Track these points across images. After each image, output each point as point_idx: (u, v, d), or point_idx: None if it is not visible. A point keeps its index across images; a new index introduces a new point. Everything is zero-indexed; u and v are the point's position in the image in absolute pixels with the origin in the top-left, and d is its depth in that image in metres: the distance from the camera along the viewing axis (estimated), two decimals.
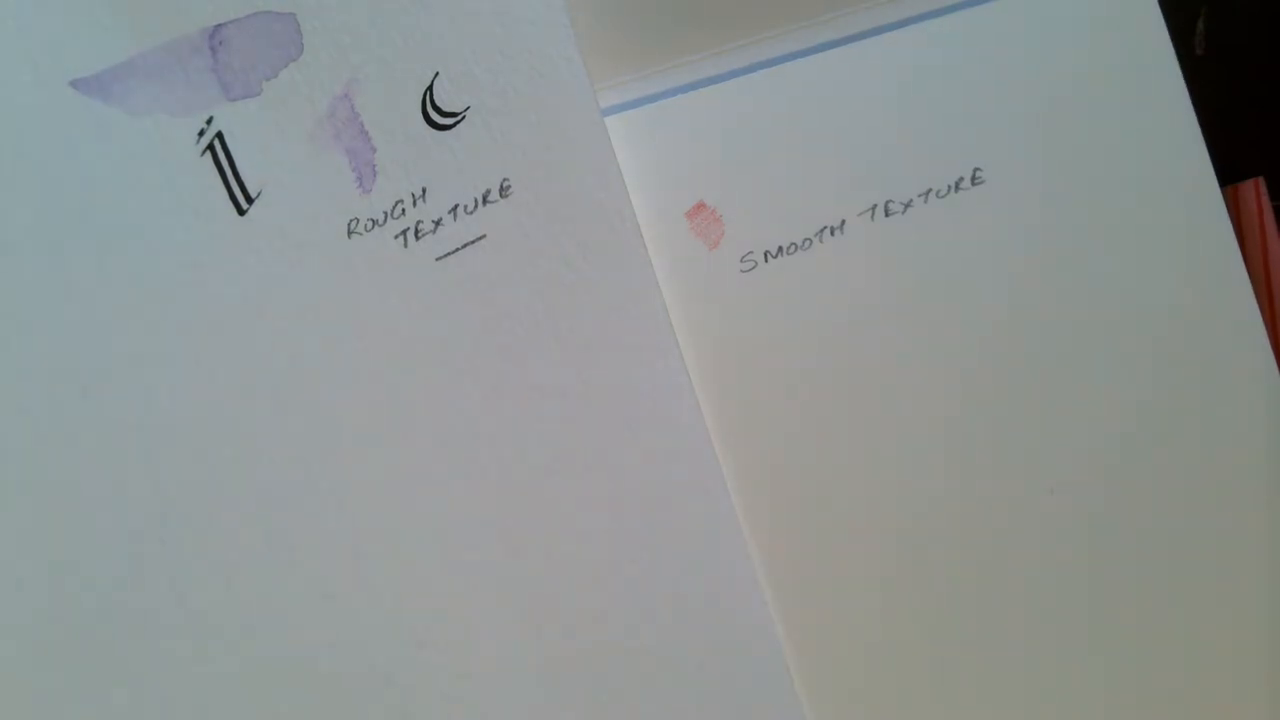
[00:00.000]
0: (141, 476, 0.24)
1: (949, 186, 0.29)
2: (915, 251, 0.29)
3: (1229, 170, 0.31)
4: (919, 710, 0.29)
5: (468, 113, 0.26)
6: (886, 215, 0.29)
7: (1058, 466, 0.29)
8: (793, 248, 0.28)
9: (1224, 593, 0.30)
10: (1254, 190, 0.32)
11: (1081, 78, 0.30)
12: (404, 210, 0.26)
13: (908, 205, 0.29)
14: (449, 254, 0.26)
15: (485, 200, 0.26)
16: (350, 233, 0.25)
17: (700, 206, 0.28)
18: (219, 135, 0.25)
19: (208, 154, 0.25)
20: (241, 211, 0.25)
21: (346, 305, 0.25)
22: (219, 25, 0.24)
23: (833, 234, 0.29)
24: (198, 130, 0.25)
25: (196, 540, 0.24)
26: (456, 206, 0.26)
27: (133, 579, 0.24)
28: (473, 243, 0.26)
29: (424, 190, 0.26)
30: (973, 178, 0.29)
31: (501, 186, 0.26)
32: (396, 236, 0.26)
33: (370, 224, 0.25)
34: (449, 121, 0.26)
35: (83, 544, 0.24)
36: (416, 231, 0.26)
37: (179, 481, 0.24)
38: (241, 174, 0.25)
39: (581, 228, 0.26)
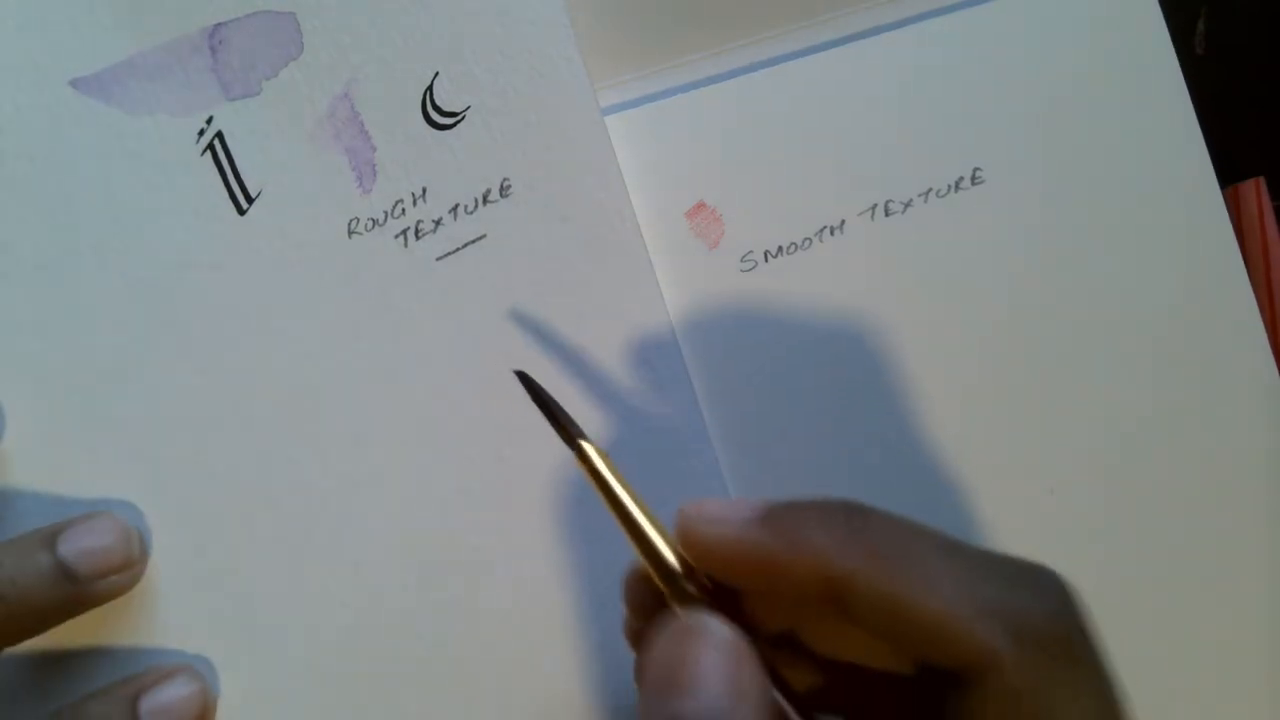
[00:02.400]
0: (141, 476, 0.24)
1: (949, 186, 0.29)
2: (915, 251, 0.29)
3: (1229, 170, 0.31)
4: None
5: (468, 112, 0.26)
6: (886, 215, 0.29)
7: (1058, 466, 0.29)
8: (793, 248, 0.28)
9: (1224, 593, 0.30)
10: (1254, 190, 0.32)
11: (1081, 78, 0.30)
12: (404, 210, 0.26)
13: (908, 205, 0.29)
14: (449, 254, 0.26)
15: (485, 200, 0.26)
16: (350, 232, 0.25)
17: (700, 206, 0.28)
18: (219, 135, 0.25)
19: (208, 154, 0.25)
20: (241, 211, 0.25)
21: (346, 305, 0.25)
22: (219, 25, 0.24)
23: (833, 234, 0.29)
24: (198, 130, 0.25)
25: (196, 540, 0.24)
26: (457, 206, 0.26)
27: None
28: (473, 242, 0.26)
29: (424, 190, 0.26)
30: (973, 178, 0.29)
31: (501, 186, 0.26)
32: (397, 236, 0.26)
33: (370, 224, 0.25)
34: (449, 121, 0.26)
35: None
36: (417, 231, 0.26)
37: (179, 481, 0.24)
38: (242, 174, 0.25)
39: (581, 228, 0.26)
